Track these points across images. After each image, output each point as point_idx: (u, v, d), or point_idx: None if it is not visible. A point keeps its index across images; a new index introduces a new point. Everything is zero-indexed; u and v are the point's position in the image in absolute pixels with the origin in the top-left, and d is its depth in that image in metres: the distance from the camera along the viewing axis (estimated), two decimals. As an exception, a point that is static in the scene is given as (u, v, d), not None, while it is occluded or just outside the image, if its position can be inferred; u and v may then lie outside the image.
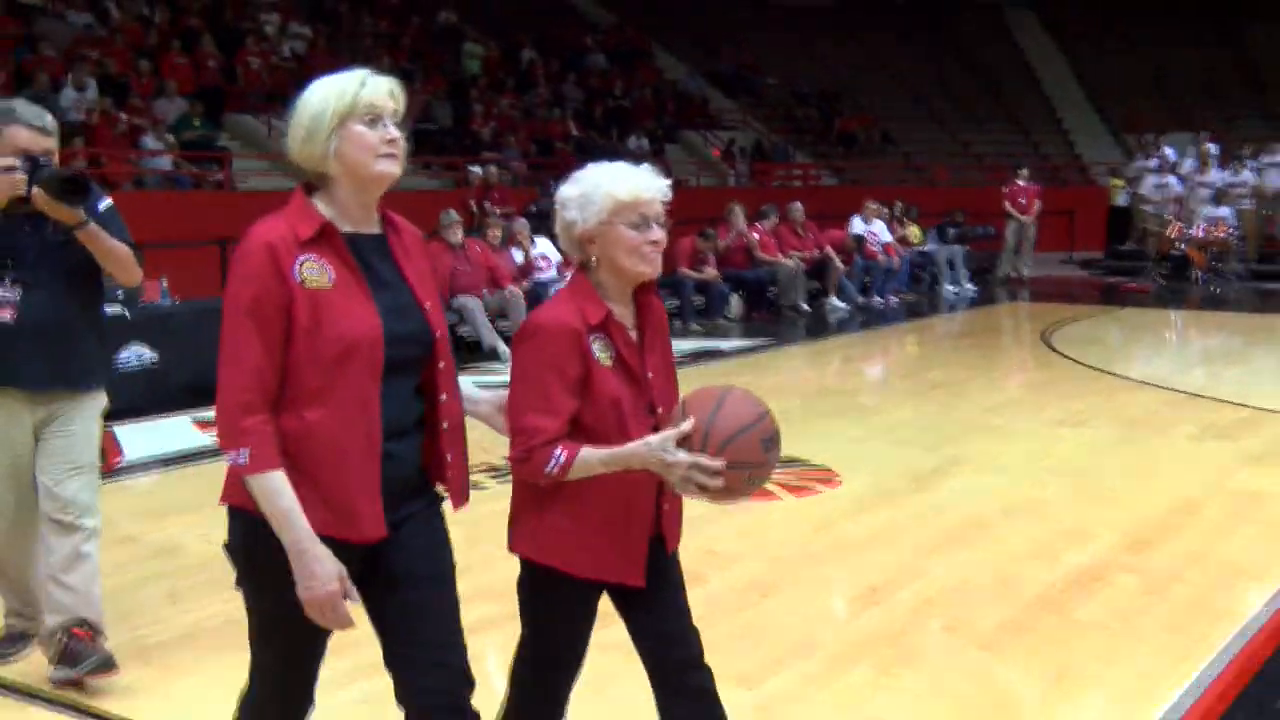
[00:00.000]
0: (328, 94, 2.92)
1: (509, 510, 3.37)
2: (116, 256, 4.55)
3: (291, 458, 2.85)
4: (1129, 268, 23.22)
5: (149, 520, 7.06)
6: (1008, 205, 22.53)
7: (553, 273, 14.62)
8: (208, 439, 8.99)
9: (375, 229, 3.04)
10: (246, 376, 2.81)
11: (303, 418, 2.86)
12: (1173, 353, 15.52)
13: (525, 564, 3.37)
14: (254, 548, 2.91)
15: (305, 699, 3.18)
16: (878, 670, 5.04)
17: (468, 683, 3.08)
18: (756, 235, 17.55)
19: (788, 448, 3.43)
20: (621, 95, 28.00)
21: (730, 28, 34.02)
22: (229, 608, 5.34)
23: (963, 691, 4.80)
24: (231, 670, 4.66)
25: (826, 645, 5.26)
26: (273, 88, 20.68)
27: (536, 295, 13.88)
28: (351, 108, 2.90)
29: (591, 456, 3.17)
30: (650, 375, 3.37)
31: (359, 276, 2.93)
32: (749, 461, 3.14)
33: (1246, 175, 22.96)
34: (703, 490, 3.11)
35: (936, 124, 31.71)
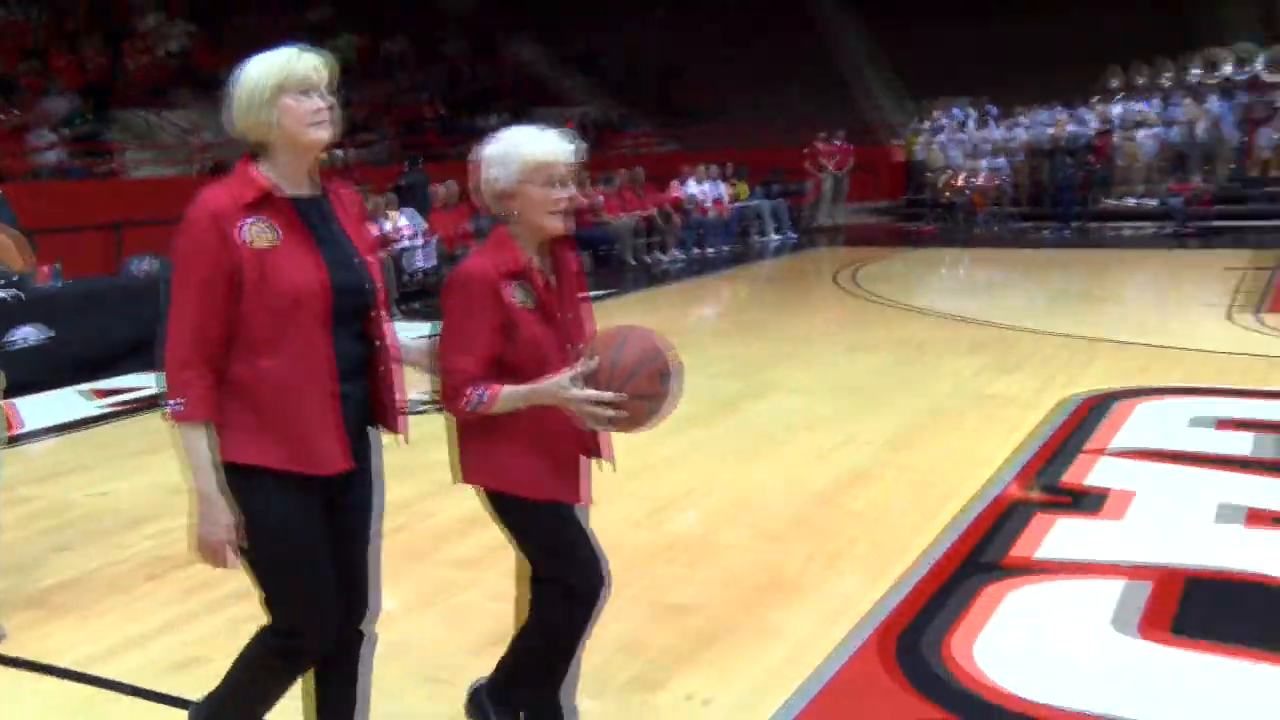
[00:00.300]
0: (263, 70, 2.90)
1: (455, 445, 3.40)
2: (2, 244, 4.48)
3: (249, 402, 2.87)
4: (918, 213, 23.97)
5: (42, 483, 6.96)
6: (808, 165, 23.23)
7: (419, 240, 14.76)
8: (96, 407, 9.11)
9: (315, 191, 3.01)
10: (186, 334, 2.81)
11: (256, 366, 2.85)
12: (949, 285, 16.01)
13: (487, 494, 3.39)
14: (236, 494, 2.89)
15: (332, 613, 3.08)
16: (681, 565, 5.32)
17: (366, 610, 3.20)
18: (600, 198, 17.83)
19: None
20: (480, 78, 28.05)
21: (579, 14, 34.12)
22: (114, 555, 5.58)
23: (753, 577, 5.09)
24: (113, 610, 4.99)
25: (639, 546, 5.43)
26: (156, 83, 20.47)
27: (398, 262, 14.03)
28: (284, 81, 2.87)
29: (513, 393, 3.21)
30: (567, 315, 3.40)
31: (304, 234, 2.92)
32: (648, 393, 3.19)
33: (1019, 132, 23.80)
34: (605, 421, 3.18)
35: (763, 92, 32.15)
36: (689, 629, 4.59)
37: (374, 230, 14.12)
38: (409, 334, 3.41)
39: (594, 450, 3.44)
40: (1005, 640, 4.37)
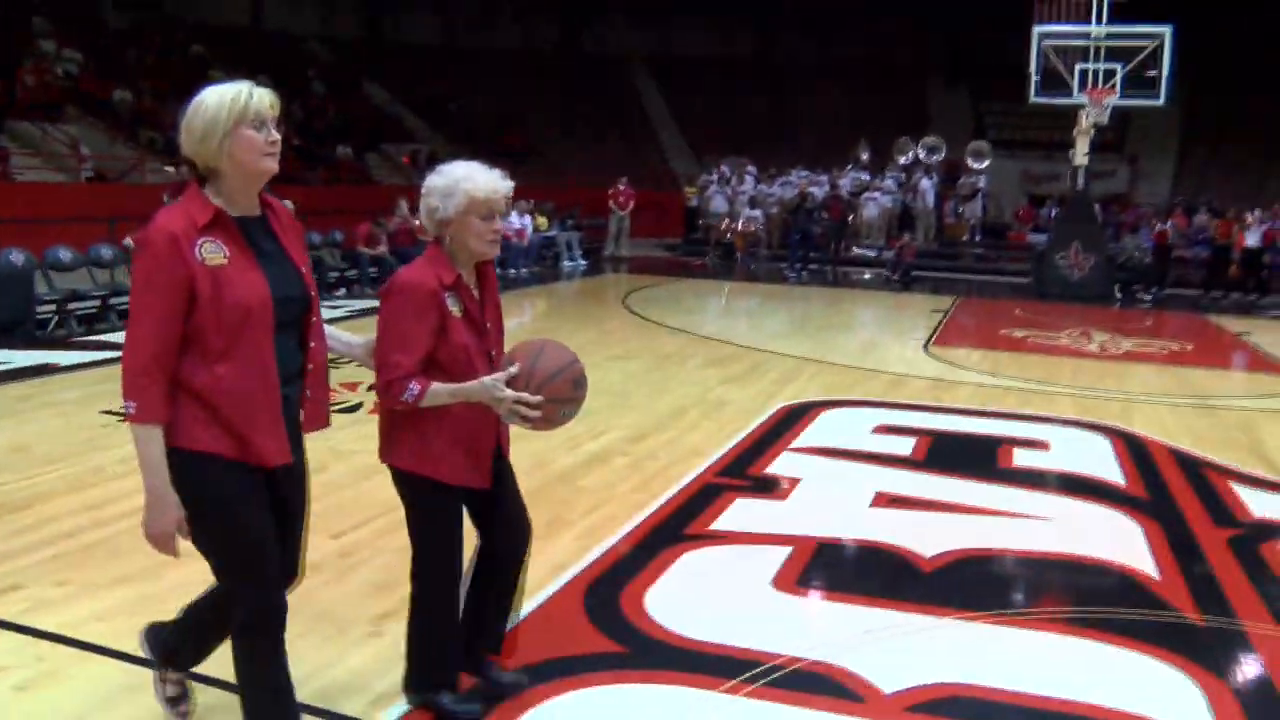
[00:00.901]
0: (221, 102, 2.76)
1: (380, 428, 3.35)
2: None
3: (206, 404, 2.76)
4: (695, 250, 24.52)
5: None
6: (611, 203, 23.52)
7: None
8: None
9: (257, 211, 2.89)
10: (145, 343, 2.69)
11: (213, 371, 2.75)
12: (704, 310, 16.20)
13: (402, 474, 3.33)
14: (184, 475, 2.79)
15: (280, 576, 2.99)
16: None
17: (296, 578, 3.13)
18: (418, 221, 17.62)
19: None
20: (336, 116, 27.66)
21: (428, 64, 33.90)
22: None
23: None
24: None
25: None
26: (48, 101, 19.79)
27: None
28: (242, 115, 2.75)
29: (441, 390, 3.17)
30: (489, 326, 3.35)
31: (249, 253, 2.81)
32: (562, 398, 3.20)
33: (777, 189, 24.59)
34: (525, 420, 3.16)
35: (582, 141, 32.42)
36: None
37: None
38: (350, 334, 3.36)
39: (501, 446, 3.44)
40: (672, 591, 4.66)
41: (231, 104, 2.75)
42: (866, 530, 5.55)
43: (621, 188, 23.44)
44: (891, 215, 24.01)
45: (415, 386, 3.15)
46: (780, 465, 6.76)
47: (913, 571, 5.01)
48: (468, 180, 3.20)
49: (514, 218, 19.78)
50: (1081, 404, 9.09)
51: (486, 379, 3.18)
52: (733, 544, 5.30)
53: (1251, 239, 19.64)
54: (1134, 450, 7.47)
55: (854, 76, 33.69)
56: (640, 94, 36.45)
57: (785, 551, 5.16)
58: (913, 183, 24.36)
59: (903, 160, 25.06)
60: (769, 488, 6.32)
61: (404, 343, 3.16)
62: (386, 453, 3.34)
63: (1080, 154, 19.29)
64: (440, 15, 35.92)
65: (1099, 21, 18.53)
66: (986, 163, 24.46)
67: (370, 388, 8.50)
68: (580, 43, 36.72)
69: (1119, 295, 19.06)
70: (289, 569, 3.08)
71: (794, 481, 6.40)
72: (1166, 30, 18.22)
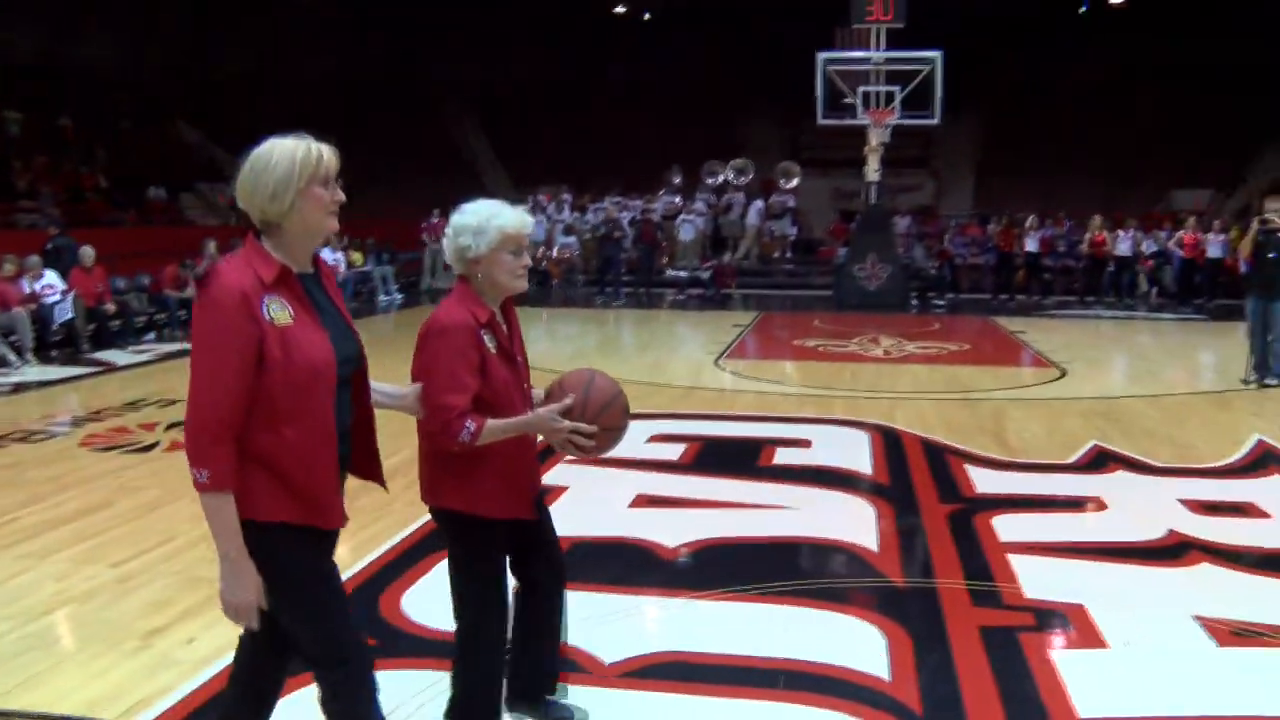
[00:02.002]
0: (294, 159, 2.69)
1: (422, 472, 3.38)
2: None
3: (272, 467, 2.67)
4: (519, 279, 24.93)
5: None
6: (424, 236, 23.77)
7: (57, 297, 14.21)
8: None
9: (310, 269, 2.82)
10: (215, 407, 2.59)
11: (280, 434, 2.66)
12: (530, 335, 16.58)
13: (449, 514, 3.35)
14: (261, 549, 2.70)
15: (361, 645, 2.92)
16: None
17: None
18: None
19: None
20: (145, 155, 27.16)
21: (239, 99, 33.48)
22: None
23: None
24: None
25: (185, 532, 5.86)
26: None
27: (43, 315, 13.64)
28: (314, 173, 2.70)
29: (496, 426, 3.18)
30: (519, 359, 3.40)
31: (312, 312, 2.74)
32: (615, 425, 3.30)
33: (589, 217, 25.22)
34: (579, 449, 3.24)
35: (398, 176, 32.47)
36: (207, 592, 4.98)
37: (22, 287, 13.71)
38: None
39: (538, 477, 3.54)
40: (428, 590, 5.01)
41: (304, 162, 2.70)
42: (619, 528, 6.02)
43: (435, 220, 23.69)
44: (705, 237, 24.86)
45: (472, 424, 3.14)
46: (551, 476, 7.11)
47: (654, 561, 5.50)
48: (498, 217, 3.25)
49: (326, 253, 19.86)
50: (853, 404, 9.80)
51: (543, 411, 3.25)
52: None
53: (1031, 245, 21.06)
54: (889, 442, 8.16)
55: (671, 104, 34.67)
56: (460, 125, 36.73)
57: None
58: (723, 203, 25.27)
59: (711, 183, 25.96)
60: (538, 495, 6.72)
61: (453, 383, 3.16)
62: (432, 495, 3.37)
63: (872, 171, 20.40)
64: (250, 47, 35.59)
65: (878, 49, 19.73)
66: (795, 182, 25.51)
67: (170, 427, 8.69)
68: (400, 73, 36.78)
69: (914, 303, 20.22)
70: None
71: (561, 489, 6.82)
72: (937, 55, 19.47)
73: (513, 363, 3.34)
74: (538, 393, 3.46)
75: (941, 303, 20.42)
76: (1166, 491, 6.87)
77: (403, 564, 5.43)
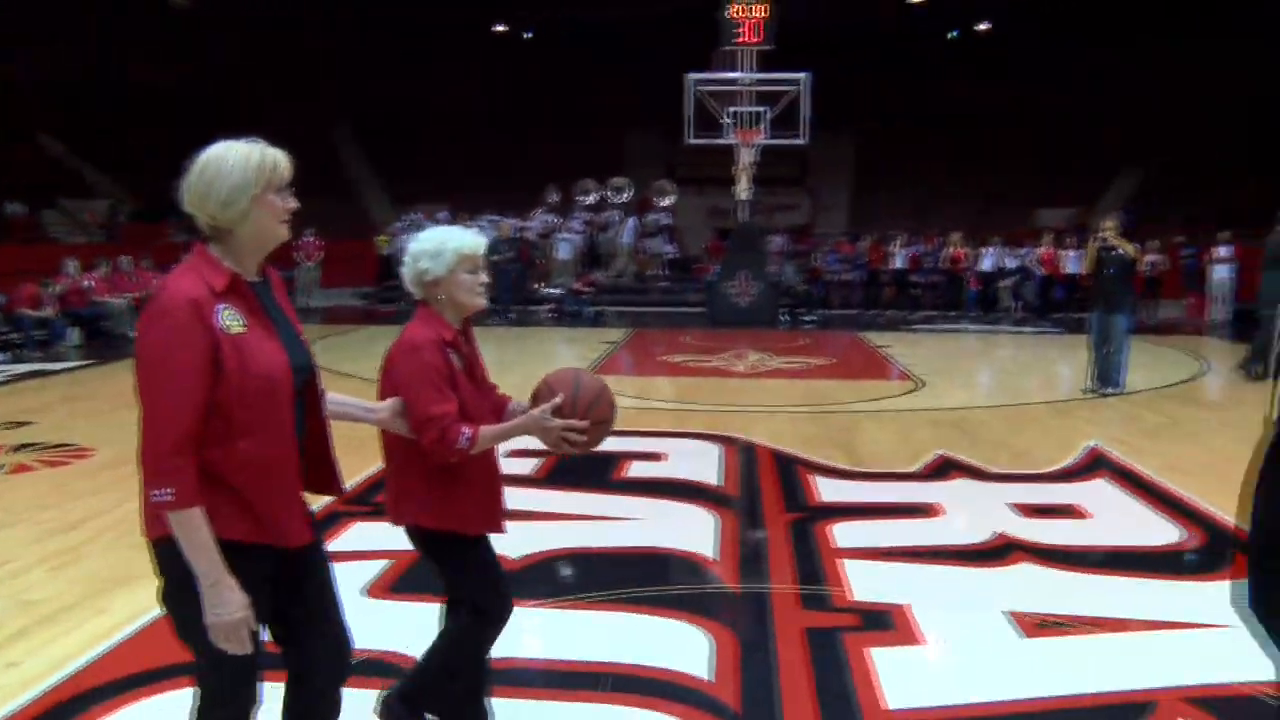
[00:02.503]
0: (247, 164, 2.65)
1: (391, 491, 3.42)
2: None
3: (227, 483, 2.58)
4: (390, 297, 24.67)
5: None
6: (296, 255, 23.49)
7: None
8: None
9: (259, 277, 2.77)
10: (175, 422, 2.50)
11: (236, 448, 2.57)
12: (377, 354, 16.19)
13: (425, 532, 3.39)
14: (184, 567, 2.57)
15: (254, 698, 2.80)
16: (48, 568, 5.63)
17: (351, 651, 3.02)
18: (91, 282, 17.21)
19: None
20: (2, 170, 26.33)
21: (110, 114, 32.65)
22: None
23: (110, 573, 5.54)
24: None
25: (20, 556, 5.79)
26: None
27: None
28: (269, 180, 2.66)
29: (490, 431, 3.27)
30: (481, 377, 3.48)
31: (265, 320, 2.68)
32: (605, 419, 3.40)
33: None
34: (571, 445, 3.32)
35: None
36: (37, 614, 4.99)
37: None
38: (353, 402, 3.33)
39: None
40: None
41: (259, 168, 2.66)
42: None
43: (308, 239, 23.45)
44: (581, 255, 25.03)
45: (468, 430, 3.20)
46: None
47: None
48: (452, 239, 3.34)
49: (194, 272, 19.53)
50: (712, 418, 10.03)
51: (534, 412, 3.32)
52: (340, 561, 5.68)
53: (899, 262, 21.68)
54: (741, 455, 8.39)
55: (551, 122, 34.81)
56: (339, 144, 36.38)
57: (384, 564, 5.64)
58: (600, 221, 25.48)
59: (586, 201, 26.15)
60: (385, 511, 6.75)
61: (439, 395, 3.21)
62: (403, 514, 3.40)
63: (742, 190, 20.81)
64: (119, 59, 34.75)
65: (748, 70, 20.18)
66: (671, 200, 25.83)
67: (18, 449, 8.50)
68: (275, 89, 36.27)
69: (785, 319, 20.66)
70: (345, 647, 2.99)
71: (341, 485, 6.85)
72: (804, 77, 19.99)
73: (474, 377, 3.42)
74: (520, 402, 3.55)
75: (811, 319, 20.90)
76: (999, 497, 7.19)
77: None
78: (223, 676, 2.70)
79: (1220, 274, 21.08)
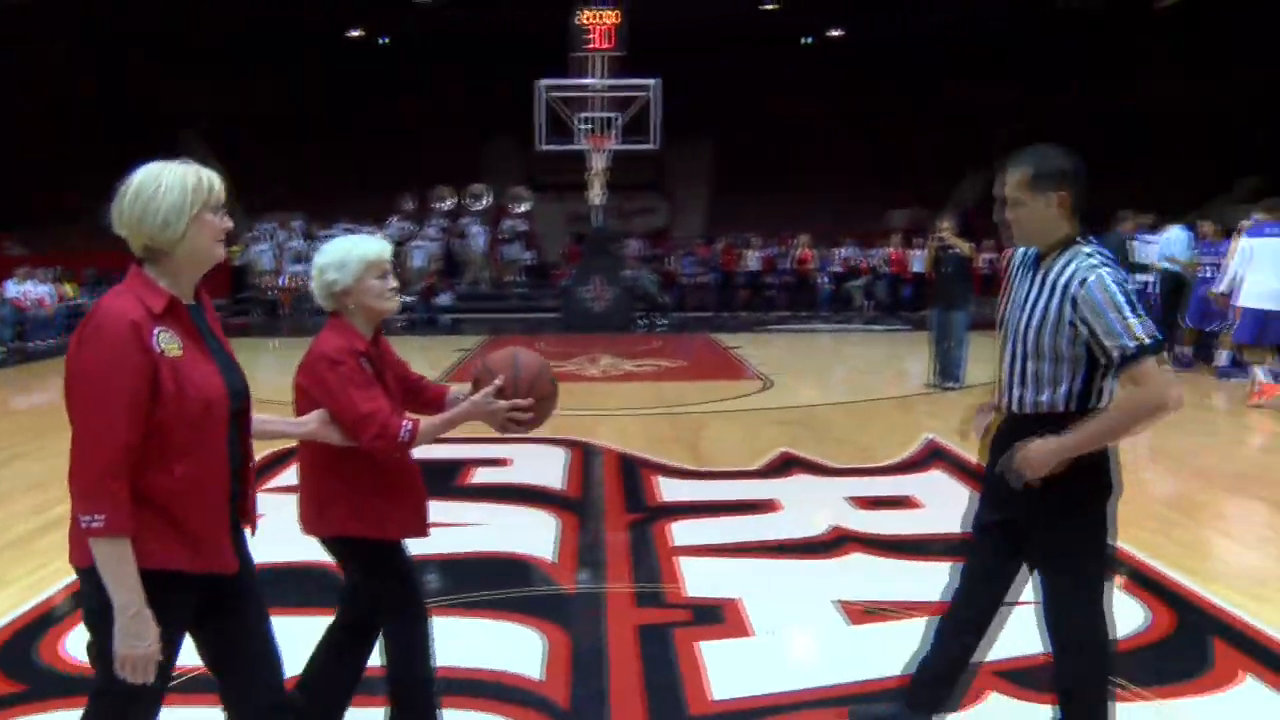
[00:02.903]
0: (185, 185, 2.61)
1: (306, 501, 3.39)
2: None
3: (162, 509, 2.53)
4: (244, 309, 24.31)
5: None
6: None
7: None
8: None
9: (192, 300, 2.72)
10: (109, 446, 2.44)
11: (173, 472, 2.53)
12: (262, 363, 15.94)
13: (344, 541, 3.39)
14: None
15: None
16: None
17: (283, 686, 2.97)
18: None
19: None
20: None
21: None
22: None
23: None
24: None
25: None
26: None
27: None
28: (207, 200, 2.62)
29: (430, 422, 3.27)
30: (391, 385, 3.43)
31: (201, 343, 2.65)
32: (549, 394, 3.39)
33: (321, 244, 24.76)
34: (518, 425, 3.31)
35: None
36: None
37: None
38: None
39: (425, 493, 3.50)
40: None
41: (196, 188, 2.63)
42: (304, 553, 6.00)
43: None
44: (438, 262, 24.83)
45: (408, 424, 3.20)
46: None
47: (335, 581, 5.53)
48: (357, 248, 3.34)
49: (30, 286, 18.85)
50: (562, 422, 9.91)
51: (477, 397, 3.30)
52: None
53: (753, 264, 22.05)
54: (587, 458, 8.44)
55: (414, 130, 34.42)
56: (191, 151, 35.31)
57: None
58: (457, 229, 25.32)
59: (443, 208, 25.99)
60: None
61: (369, 394, 3.22)
62: (321, 524, 3.38)
63: (595, 195, 20.94)
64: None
65: (600, 76, 20.33)
66: (526, 206, 25.81)
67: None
68: (127, 97, 35.05)
69: (641, 323, 20.85)
70: (277, 675, 2.93)
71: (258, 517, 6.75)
72: (653, 83, 20.22)
73: (388, 391, 3.38)
74: (461, 387, 3.54)
75: (665, 322, 21.13)
76: (838, 491, 7.39)
77: (70, 607, 5.28)
78: (130, 706, 2.66)
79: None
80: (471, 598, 5.28)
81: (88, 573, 2.56)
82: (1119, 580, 5.49)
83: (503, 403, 3.30)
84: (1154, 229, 14.51)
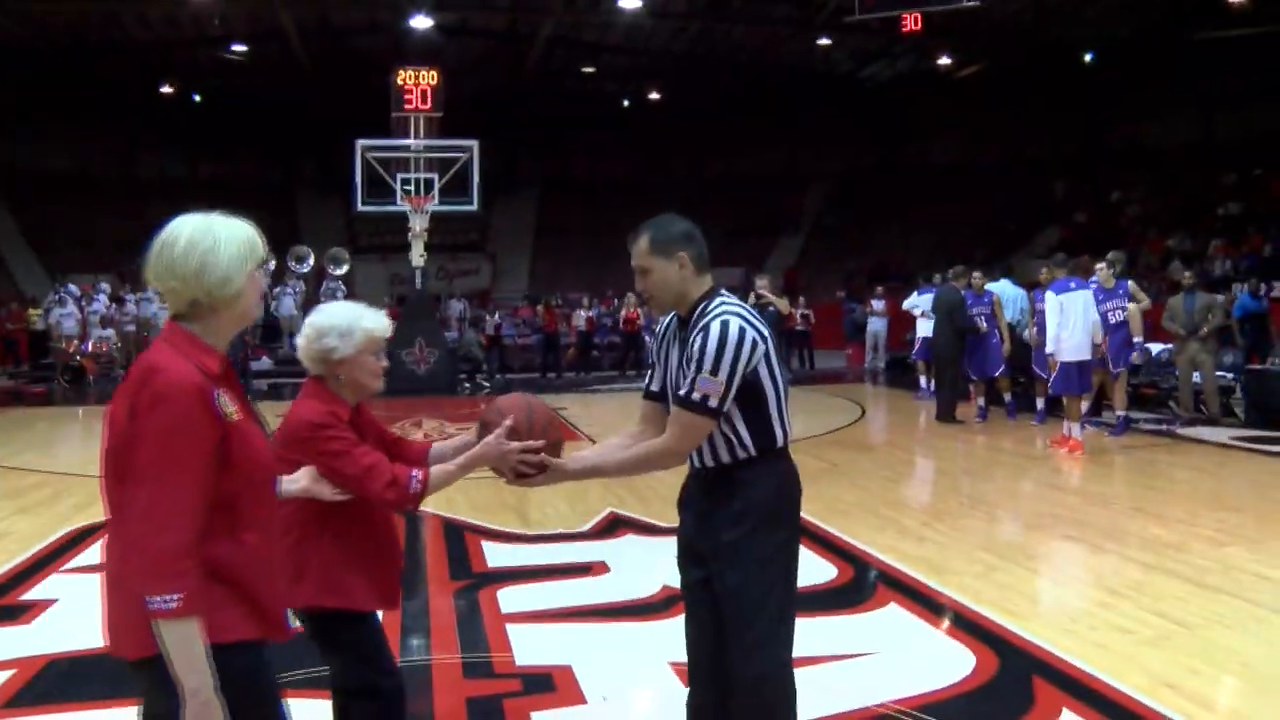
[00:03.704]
0: (242, 240, 2.50)
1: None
2: None
3: (231, 579, 2.38)
4: (47, 375, 23.02)
5: None
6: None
7: None
8: None
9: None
10: (182, 519, 2.27)
11: (243, 542, 2.40)
12: (17, 440, 14.44)
13: (319, 613, 3.21)
14: (227, 677, 2.36)
15: None
16: None
17: None
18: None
19: None
20: None
21: None
22: None
23: None
24: None
25: None
26: None
27: None
28: (258, 256, 2.52)
29: (440, 470, 3.16)
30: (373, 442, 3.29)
31: (246, 405, 2.53)
32: (557, 440, 3.29)
33: (130, 308, 23.76)
34: (528, 470, 3.21)
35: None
36: None
37: None
38: None
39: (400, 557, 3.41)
40: None
41: (250, 243, 2.51)
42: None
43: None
44: (255, 328, 24.08)
45: (417, 474, 3.08)
46: (40, 590, 6.62)
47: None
48: (363, 319, 3.24)
49: None
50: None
51: (489, 438, 3.17)
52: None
53: (580, 323, 22.09)
54: (410, 525, 8.16)
55: (224, 193, 33.47)
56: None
57: (2, 676, 5.10)
58: (274, 293, 24.63)
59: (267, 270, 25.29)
60: (15, 614, 6.16)
61: (360, 452, 3.09)
62: (296, 596, 3.13)
63: (417, 256, 20.66)
64: None
65: (417, 136, 20.18)
66: (345, 269, 25.29)
67: None
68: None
69: (466, 385, 20.60)
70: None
71: (47, 603, 6.31)
72: (474, 144, 20.17)
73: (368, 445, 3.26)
74: (442, 445, 3.45)
75: (487, 385, 20.97)
76: (667, 550, 7.28)
77: None
78: None
79: (875, 325, 22.60)
80: (289, 677, 5.00)
81: (150, 664, 2.33)
82: (944, 626, 5.61)
83: (515, 444, 3.20)
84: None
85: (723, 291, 3.36)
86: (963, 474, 10.10)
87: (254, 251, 2.55)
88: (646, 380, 3.58)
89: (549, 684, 4.88)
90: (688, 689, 3.59)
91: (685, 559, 3.54)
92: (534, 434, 3.24)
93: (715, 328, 3.16)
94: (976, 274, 13.85)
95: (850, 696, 4.61)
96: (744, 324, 3.20)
